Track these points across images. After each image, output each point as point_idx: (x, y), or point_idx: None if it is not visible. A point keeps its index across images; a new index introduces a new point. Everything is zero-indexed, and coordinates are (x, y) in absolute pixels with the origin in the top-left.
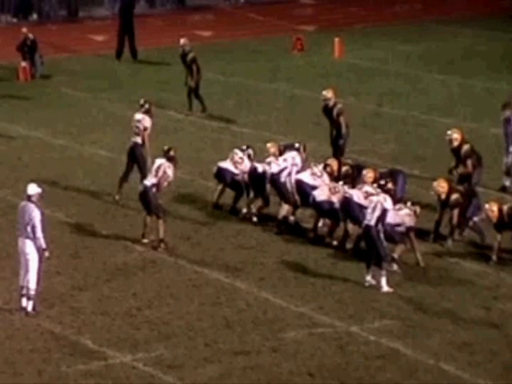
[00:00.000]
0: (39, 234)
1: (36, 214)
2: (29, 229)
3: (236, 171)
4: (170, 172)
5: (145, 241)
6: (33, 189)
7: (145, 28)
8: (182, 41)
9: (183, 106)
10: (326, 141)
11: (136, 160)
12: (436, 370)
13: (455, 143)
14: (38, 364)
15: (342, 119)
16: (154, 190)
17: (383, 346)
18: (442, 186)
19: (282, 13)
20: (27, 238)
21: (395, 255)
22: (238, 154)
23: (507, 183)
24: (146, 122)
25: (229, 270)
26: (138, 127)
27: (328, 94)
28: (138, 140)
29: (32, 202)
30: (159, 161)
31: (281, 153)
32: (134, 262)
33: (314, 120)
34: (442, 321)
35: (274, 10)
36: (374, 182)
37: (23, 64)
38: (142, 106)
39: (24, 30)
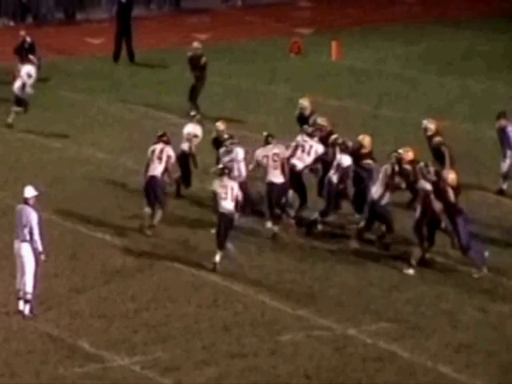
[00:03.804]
0: (37, 236)
1: (33, 217)
2: (25, 231)
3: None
4: (172, 154)
5: (148, 233)
6: (29, 192)
7: (142, 30)
8: (195, 44)
9: (181, 108)
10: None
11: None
12: (434, 372)
13: (429, 132)
14: (36, 366)
15: None
16: (163, 178)
17: (381, 348)
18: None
19: (280, 15)
20: (23, 241)
21: (413, 261)
22: None
23: (504, 186)
24: (198, 130)
25: (226, 273)
26: (189, 134)
27: (305, 102)
28: (186, 148)
29: (29, 204)
30: (158, 146)
31: (268, 143)
32: (131, 265)
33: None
34: (439, 323)
35: (272, 12)
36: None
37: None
38: (194, 116)
39: (22, 32)
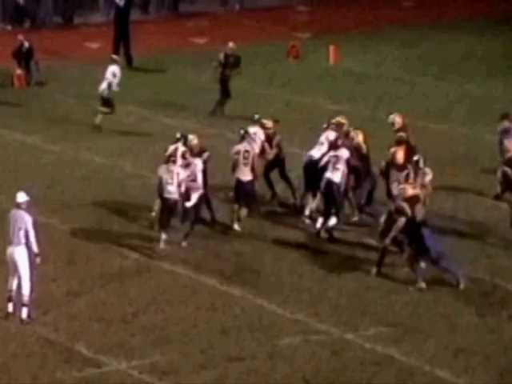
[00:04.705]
0: (32, 238)
1: (28, 219)
2: (21, 234)
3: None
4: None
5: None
6: (22, 197)
7: (140, 34)
8: (231, 44)
9: (179, 112)
10: None
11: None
12: (432, 376)
13: (396, 126)
14: (34, 370)
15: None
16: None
17: (378, 351)
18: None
19: (278, 19)
20: (18, 244)
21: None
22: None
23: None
24: (261, 133)
25: (224, 276)
26: (253, 139)
27: (268, 123)
28: (256, 149)
29: (22, 209)
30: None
31: (243, 139)
32: (129, 268)
33: (309, 125)
34: (437, 326)
35: (270, 16)
36: None
37: (18, 71)
38: (258, 120)
39: (20, 37)
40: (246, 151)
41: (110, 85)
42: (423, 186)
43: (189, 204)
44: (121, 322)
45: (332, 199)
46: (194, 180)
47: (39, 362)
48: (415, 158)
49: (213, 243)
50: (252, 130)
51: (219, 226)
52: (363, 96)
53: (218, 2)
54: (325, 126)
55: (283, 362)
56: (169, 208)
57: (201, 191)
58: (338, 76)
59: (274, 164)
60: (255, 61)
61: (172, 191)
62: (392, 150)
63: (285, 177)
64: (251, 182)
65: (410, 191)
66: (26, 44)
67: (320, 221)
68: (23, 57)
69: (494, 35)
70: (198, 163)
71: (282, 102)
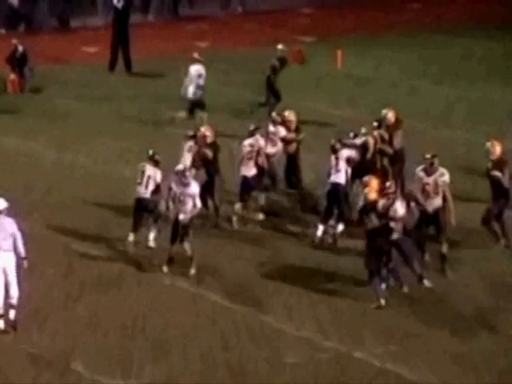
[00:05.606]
0: (19, 241)
1: (11, 223)
2: (11, 239)
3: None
4: (159, 177)
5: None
6: (1, 204)
7: (139, 38)
8: (280, 46)
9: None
10: (323, 153)
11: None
12: (430, 380)
13: (387, 122)
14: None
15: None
16: (153, 198)
17: (381, 362)
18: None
19: (280, 22)
20: (8, 250)
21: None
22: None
23: None
24: (281, 131)
25: (224, 284)
26: (273, 139)
27: (290, 115)
28: (273, 150)
29: (3, 215)
30: (148, 171)
31: (252, 135)
32: (128, 275)
33: (311, 131)
34: (436, 330)
35: (272, 19)
36: None
37: (12, 76)
38: (279, 116)
39: (14, 41)
40: (251, 145)
41: (196, 86)
42: (436, 183)
43: (181, 218)
44: (119, 330)
45: (336, 201)
46: (193, 199)
47: (31, 381)
48: (427, 155)
49: (212, 247)
50: (272, 129)
51: (220, 229)
52: (364, 100)
53: (218, 6)
54: (351, 134)
55: (284, 369)
56: (142, 209)
57: (196, 211)
58: (340, 80)
59: (292, 162)
60: (256, 65)
61: (141, 191)
62: (365, 178)
63: (298, 178)
64: (255, 178)
65: (373, 195)
66: (20, 48)
67: (321, 228)
68: (17, 62)
69: (493, 38)
70: (194, 186)
71: (284, 105)
